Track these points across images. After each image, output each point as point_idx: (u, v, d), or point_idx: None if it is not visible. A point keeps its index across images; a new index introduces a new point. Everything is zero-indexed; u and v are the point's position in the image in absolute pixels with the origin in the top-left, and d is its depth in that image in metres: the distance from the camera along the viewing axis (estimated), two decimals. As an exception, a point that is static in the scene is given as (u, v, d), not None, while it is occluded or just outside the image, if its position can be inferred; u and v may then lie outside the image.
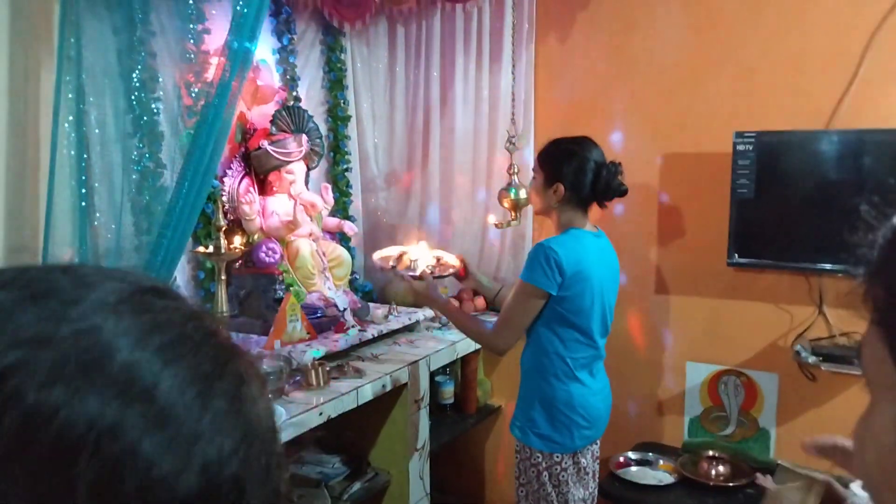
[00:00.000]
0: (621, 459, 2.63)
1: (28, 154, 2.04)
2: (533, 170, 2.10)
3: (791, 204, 2.45)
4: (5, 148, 1.98)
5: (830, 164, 2.39)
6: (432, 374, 2.72)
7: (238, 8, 1.73)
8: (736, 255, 2.53)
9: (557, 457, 2.05)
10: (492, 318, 2.41)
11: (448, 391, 3.00)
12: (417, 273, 2.27)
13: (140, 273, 0.46)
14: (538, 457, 2.06)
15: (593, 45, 2.84)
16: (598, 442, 2.21)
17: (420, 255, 2.35)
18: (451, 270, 2.34)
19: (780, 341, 2.60)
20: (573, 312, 2.00)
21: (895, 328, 0.42)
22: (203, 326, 0.43)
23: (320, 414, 2.03)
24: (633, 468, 2.59)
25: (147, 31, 2.06)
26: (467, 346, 2.76)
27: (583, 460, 2.12)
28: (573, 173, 1.98)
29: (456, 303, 3.04)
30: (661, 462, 2.62)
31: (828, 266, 2.39)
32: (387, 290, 3.10)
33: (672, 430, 2.83)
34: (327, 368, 2.22)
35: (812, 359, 2.41)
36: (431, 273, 2.27)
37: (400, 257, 2.34)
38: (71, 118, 2.01)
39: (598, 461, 2.23)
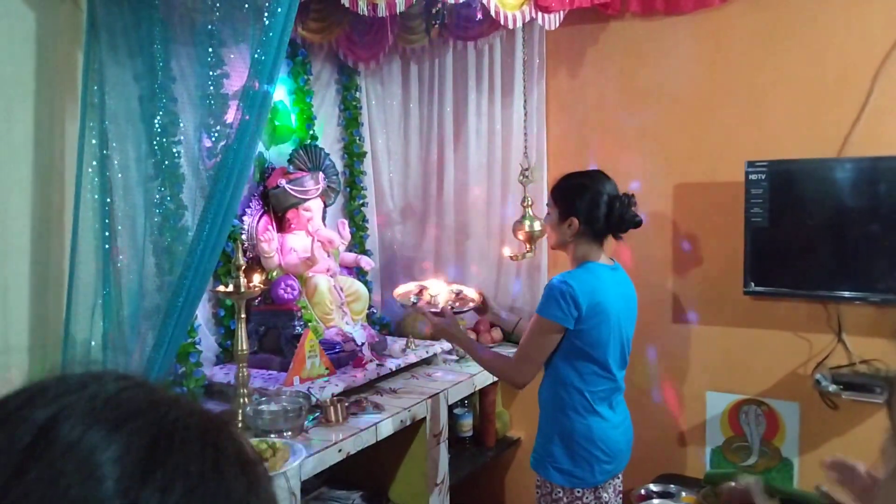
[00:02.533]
0: (643, 492, 2.60)
1: (53, 198, 2.09)
2: (547, 205, 2.13)
3: (806, 232, 2.46)
4: (31, 193, 2.04)
5: (844, 192, 2.40)
6: (451, 407, 2.73)
7: (256, 56, 1.78)
8: (752, 283, 2.53)
9: (579, 492, 2.04)
10: (510, 350, 2.42)
11: (467, 424, 3.00)
12: (438, 308, 2.29)
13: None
14: (559, 492, 2.05)
15: (604, 78, 2.88)
16: (621, 476, 2.19)
17: (439, 290, 2.37)
18: (472, 305, 2.35)
19: (799, 370, 2.59)
20: (591, 346, 2.00)
21: None
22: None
23: (339, 451, 2.04)
24: (656, 501, 2.56)
25: (168, 77, 2.11)
26: (485, 378, 2.76)
27: (604, 495, 2.10)
28: (587, 207, 2.00)
29: (473, 335, 3.06)
30: (684, 494, 2.59)
31: (846, 293, 2.39)
32: (406, 324, 3.11)
33: (694, 460, 2.81)
34: (346, 404, 2.23)
35: (833, 387, 2.39)
36: (452, 308, 2.29)
37: (420, 293, 2.36)
38: (94, 163, 2.07)
39: (620, 495, 2.21)
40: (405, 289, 2.43)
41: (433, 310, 2.27)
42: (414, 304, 2.33)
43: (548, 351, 2.03)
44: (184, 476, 0.41)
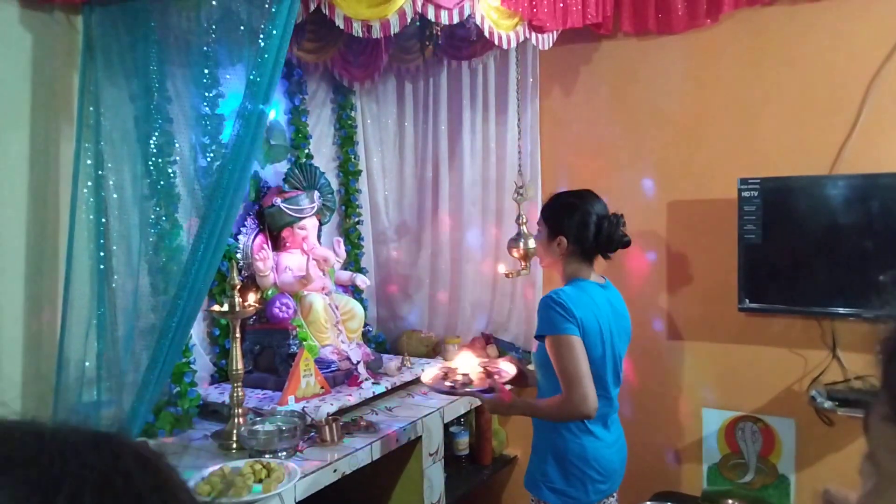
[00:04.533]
0: (639, 510, 2.60)
1: (48, 218, 2.10)
2: (537, 223, 2.13)
3: (799, 248, 2.47)
4: (27, 212, 2.04)
5: (836, 209, 2.41)
6: (447, 426, 2.72)
7: (251, 77, 1.79)
8: (746, 300, 2.54)
9: (573, 511, 2.03)
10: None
11: (463, 442, 2.99)
12: (474, 385, 2.11)
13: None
14: (554, 511, 2.04)
15: (596, 96, 2.90)
16: (616, 495, 2.18)
17: (464, 365, 2.20)
18: (508, 377, 2.17)
19: (795, 386, 2.59)
20: (585, 363, 1.99)
21: None
22: None
23: (335, 471, 2.03)
24: (652, 519, 2.56)
25: (163, 97, 2.12)
26: (481, 396, 2.75)
27: (599, 514, 2.09)
28: (576, 226, 2.00)
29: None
30: (681, 512, 2.59)
31: (840, 310, 2.39)
32: (401, 343, 3.07)
33: (691, 478, 2.80)
34: (341, 424, 2.23)
35: (828, 404, 2.39)
36: (499, 380, 2.11)
37: (446, 376, 2.18)
38: (90, 183, 2.08)
39: (615, 514, 2.20)
40: (430, 375, 2.22)
41: (480, 388, 2.10)
42: (452, 387, 2.13)
43: (586, 361, 1.90)
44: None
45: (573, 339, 1.89)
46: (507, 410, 2.13)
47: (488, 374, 2.16)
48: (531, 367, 2.26)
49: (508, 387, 2.12)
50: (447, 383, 2.15)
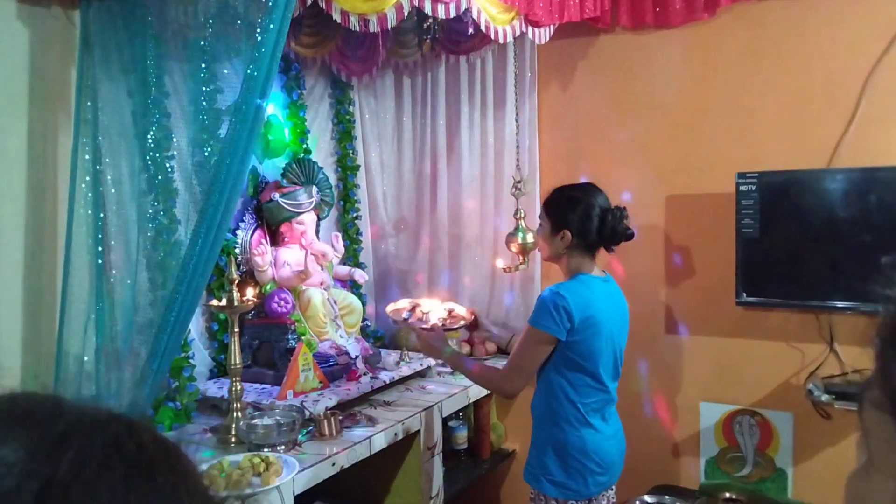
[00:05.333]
0: (637, 503, 2.60)
1: (46, 213, 2.10)
2: (539, 217, 2.14)
3: (796, 242, 2.47)
4: (25, 207, 2.04)
5: (834, 203, 2.41)
6: (445, 420, 2.73)
7: (249, 71, 1.79)
8: (744, 294, 2.54)
9: (572, 503, 2.04)
10: (502, 361, 2.44)
11: (461, 436, 3.00)
12: (429, 325, 2.30)
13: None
14: None
15: (594, 91, 2.90)
16: (614, 488, 2.19)
17: (432, 307, 2.39)
18: (462, 322, 2.39)
19: (792, 379, 2.60)
20: (584, 357, 2.00)
21: None
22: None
23: (333, 464, 2.04)
24: (650, 512, 2.57)
25: (161, 92, 2.12)
26: (480, 390, 2.76)
27: (598, 506, 2.10)
28: (579, 220, 2.01)
29: (468, 347, 3.06)
30: (678, 505, 2.59)
31: (837, 303, 2.40)
32: (399, 337, 3.12)
33: (688, 471, 2.81)
34: (339, 418, 2.23)
35: (825, 397, 2.40)
36: (443, 325, 2.31)
37: (413, 309, 2.38)
38: (88, 178, 2.08)
39: (614, 506, 2.21)
40: (398, 305, 2.45)
41: (423, 325, 2.29)
42: (405, 319, 2.35)
43: (539, 361, 2.03)
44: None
45: (546, 339, 1.98)
46: (437, 354, 2.29)
47: (449, 317, 2.41)
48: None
49: (457, 339, 2.39)
50: (404, 315, 2.38)
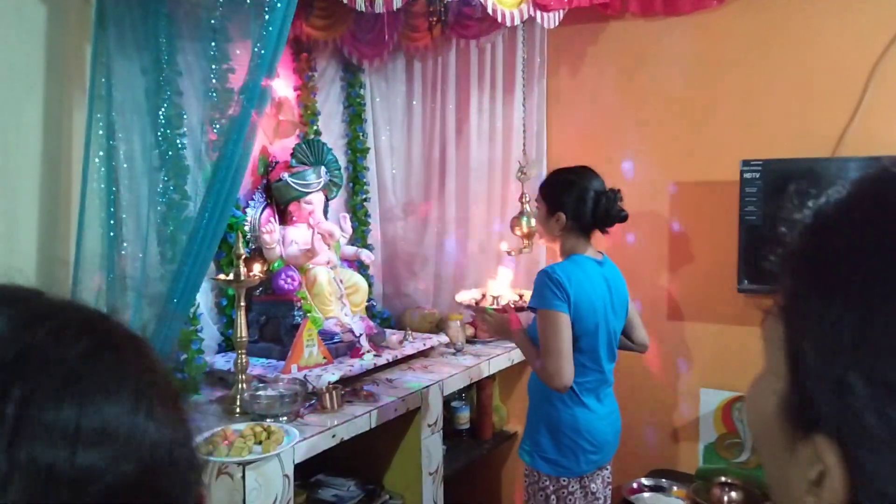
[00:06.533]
0: (634, 486, 2.64)
1: (60, 187, 2.16)
2: (536, 200, 2.17)
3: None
4: (39, 181, 2.10)
5: (837, 192, 2.42)
6: (448, 400, 2.77)
7: (256, 49, 1.84)
8: (746, 281, 2.56)
9: (564, 480, 2.08)
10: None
11: (464, 416, 3.04)
12: (500, 306, 2.34)
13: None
14: (546, 480, 2.09)
15: (603, 77, 2.92)
16: (609, 467, 2.23)
17: (502, 292, 2.47)
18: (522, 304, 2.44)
19: (792, 367, 2.61)
20: (578, 336, 2.03)
21: (793, 321, 0.48)
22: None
23: (333, 436, 2.09)
24: (647, 494, 2.61)
25: (174, 70, 2.17)
26: (481, 371, 2.80)
27: (592, 485, 2.14)
28: (574, 202, 2.04)
29: (471, 329, 3.09)
30: (675, 489, 2.63)
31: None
32: (405, 318, 3.15)
33: (687, 456, 2.84)
34: (342, 392, 2.28)
35: (823, 385, 2.41)
36: (514, 306, 2.34)
37: (483, 297, 2.42)
38: (101, 153, 2.13)
39: (609, 487, 2.25)
40: (469, 294, 2.51)
41: (495, 307, 2.32)
42: (477, 303, 2.40)
43: (568, 339, 1.97)
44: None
45: (560, 316, 1.97)
46: (507, 335, 2.27)
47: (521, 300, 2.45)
48: None
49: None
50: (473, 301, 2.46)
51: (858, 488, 0.42)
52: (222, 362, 2.51)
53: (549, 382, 2.01)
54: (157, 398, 0.47)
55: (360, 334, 2.64)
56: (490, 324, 2.30)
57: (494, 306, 2.33)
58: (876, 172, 0.48)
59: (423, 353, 2.86)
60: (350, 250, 2.95)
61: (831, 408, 0.43)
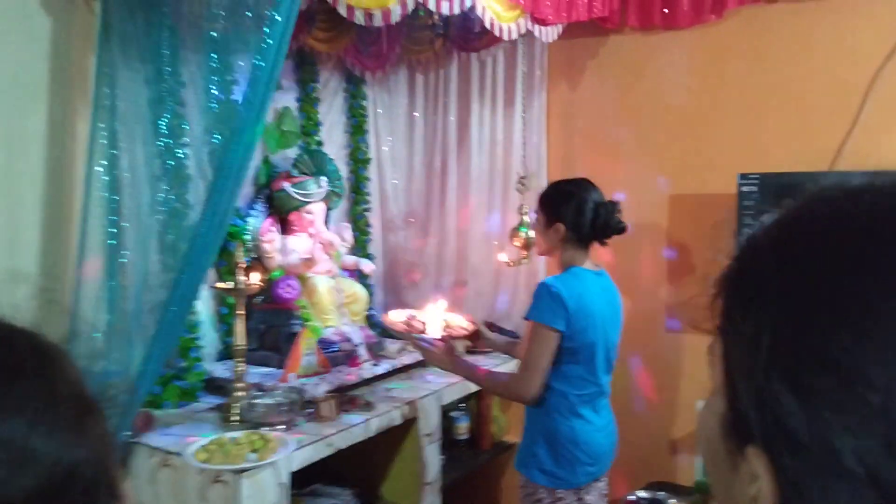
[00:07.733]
0: (632, 498, 2.64)
1: (63, 194, 2.19)
2: (535, 211, 2.19)
3: (797, 244, 2.48)
4: (42, 189, 2.13)
5: (835, 205, 2.42)
6: (447, 410, 2.77)
7: (255, 62, 1.86)
8: (743, 294, 2.56)
9: (561, 492, 2.08)
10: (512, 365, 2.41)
11: (463, 427, 3.04)
12: (436, 337, 2.23)
13: None
14: (542, 492, 2.09)
15: (602, 90, 2.94)
16: (606, 479, 2.23)
17: (431, 318, 2.32)
18: (463, 333, 2.31)
19: (790, 381, 2.61)
20: (577, 349, 2.04)
21: (725, 339, 0.50)
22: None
23: (329, 445, 2.10)
24: (644, 506, 2.60)
25: (177, 81, 2.20)
26: (480, 382, 2.80)
27: (588, 497, 2.14)
28: (572, 213, 2.05)
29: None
30: (673, 501, 2.62)
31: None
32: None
33: (685, 469, 2.84)
34: (339, 401, 2.29)
35: (820, 398, 2.41)
36: (449, 335, 2.24)
37: (409, 321, 2.30)
38: (104, 162, 2.16)
39: (606, 499, 2.25)
40: (396, 316, 2.37)
41: (434, 338, 2.22)
42: (408, 325, 2.27)
43: (550, 356, 2.01)
44: None
45: (551, 334, 1.99)
46: (449, 367, 2.22)
47: (447, 327, 2.30)
48: (492, 333, 2.46)
49: (464, 346, 2.38)
50: (402, 327, 2.30)
51: (785, 496, 0.43)
52: (222, 370, 2.52)
53: (513, 393, 2.10)
54: (59, 418, 0.49)
55: (359, 343, 2.66)
56: (425, 355, 2.24)
57: (425, 338, 2.21)
58: (808, 195, 0.49)
59: (421, 363, 2.86)
60: (350, 260, 2.97)
61: (757, 417, 0.44)
